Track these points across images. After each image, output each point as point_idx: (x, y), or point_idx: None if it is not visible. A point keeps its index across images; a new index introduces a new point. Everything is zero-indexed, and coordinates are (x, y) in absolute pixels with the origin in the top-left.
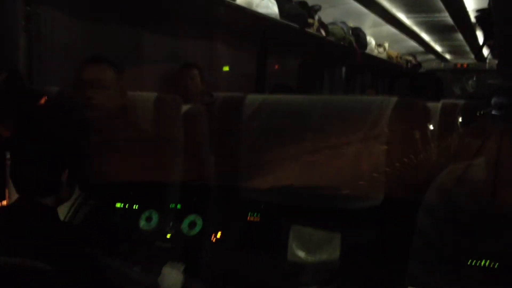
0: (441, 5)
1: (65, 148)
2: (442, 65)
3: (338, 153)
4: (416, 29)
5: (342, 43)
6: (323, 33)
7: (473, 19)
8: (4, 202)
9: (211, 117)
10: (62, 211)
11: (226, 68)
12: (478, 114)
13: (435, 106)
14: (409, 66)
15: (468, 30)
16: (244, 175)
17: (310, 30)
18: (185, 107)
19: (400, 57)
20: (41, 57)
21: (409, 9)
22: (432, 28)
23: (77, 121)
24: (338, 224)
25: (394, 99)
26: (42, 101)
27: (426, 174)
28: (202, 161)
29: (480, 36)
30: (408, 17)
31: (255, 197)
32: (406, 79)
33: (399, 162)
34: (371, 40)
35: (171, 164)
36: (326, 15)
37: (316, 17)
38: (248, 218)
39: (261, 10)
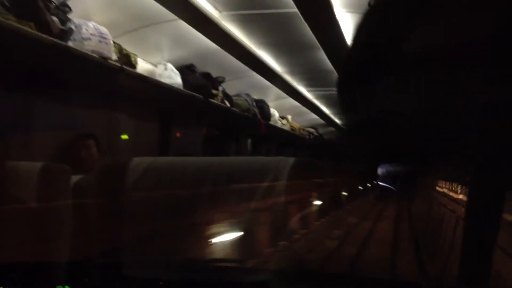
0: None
1: None
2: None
3: (237, 221)
4: (316, 102)
5: (246, 114)
6: (228, 104)
7: None
8: None
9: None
10: None
11: (125, 137)
12: None
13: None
14: (311, 137)
15: None
16: (136, 249)
17: (214, 101)
18: (75, 178)
19: (303, 129)
20: None
21: (309, 83)
22: (332, 102)
23: None
24: None
25: (291, 159)
26: None
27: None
28: (92, 236)
29: None
30: (308, 91)
31: (151, 274)
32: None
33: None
34: (275, 112)
35: (58, 240)
36: (230, 87)
37: (221, 88)
38: None
39: (164, 80)
